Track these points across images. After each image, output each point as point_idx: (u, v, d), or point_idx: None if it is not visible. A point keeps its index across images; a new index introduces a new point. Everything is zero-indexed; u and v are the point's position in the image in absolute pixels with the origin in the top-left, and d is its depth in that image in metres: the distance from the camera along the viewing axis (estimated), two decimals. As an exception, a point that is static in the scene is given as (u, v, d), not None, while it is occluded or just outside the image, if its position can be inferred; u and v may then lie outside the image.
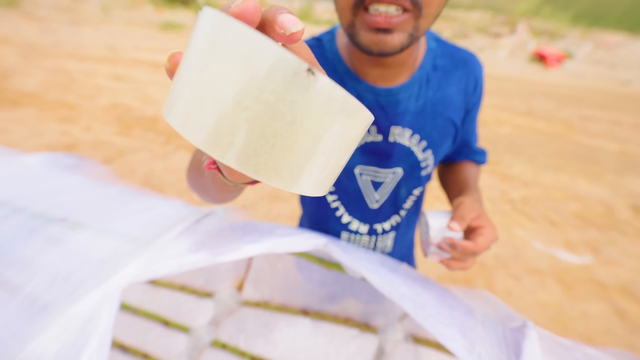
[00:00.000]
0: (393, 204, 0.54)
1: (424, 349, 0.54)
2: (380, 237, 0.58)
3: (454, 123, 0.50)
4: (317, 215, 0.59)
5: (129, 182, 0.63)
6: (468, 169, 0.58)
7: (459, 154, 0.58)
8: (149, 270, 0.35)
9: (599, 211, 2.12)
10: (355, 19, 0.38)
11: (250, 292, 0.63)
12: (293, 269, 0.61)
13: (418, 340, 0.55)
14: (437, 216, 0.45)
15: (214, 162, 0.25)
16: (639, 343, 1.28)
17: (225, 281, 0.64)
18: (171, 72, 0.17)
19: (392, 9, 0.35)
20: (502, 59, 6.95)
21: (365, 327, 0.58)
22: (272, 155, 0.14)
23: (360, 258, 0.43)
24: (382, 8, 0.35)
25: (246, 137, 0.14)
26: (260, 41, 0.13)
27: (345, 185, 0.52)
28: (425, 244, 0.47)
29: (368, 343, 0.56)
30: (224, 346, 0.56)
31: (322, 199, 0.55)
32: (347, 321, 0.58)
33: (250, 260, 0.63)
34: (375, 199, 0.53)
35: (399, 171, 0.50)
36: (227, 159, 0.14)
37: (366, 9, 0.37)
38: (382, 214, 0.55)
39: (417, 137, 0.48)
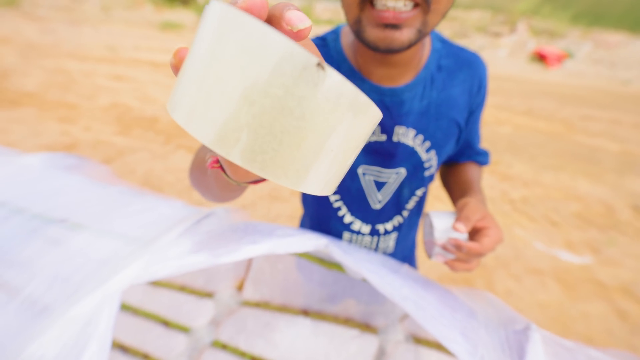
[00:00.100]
0: (396, 204, 0.54)
1: (424, 350, 0.54)
2: (382, 238, 0.57)
3: (457, 124, 0.50)
4: (319, 215, 0.59)
5: (128, 182, 0.62)
6: (471, 170, 0.58)
7: (461, 155, 0.58)
8: (149, 272, 0.35)
9: (599, 211, 2.11)
10: (362, 14, 0.37)
11: (250, 293, 0.63)
12: (293, 269, 0.61)
13: (419, 340, 0.55)
14: (441, 217, 0.45)
15: (217, 161, 0.25)
16: (640, 343, 1.28)
17: (226, 281, 0.64)
18: (176, 68, 0.16)
19: (400, 4, 0.35)
20: (502, 59, 6.94)
21: (366, 327, 0.58)
22: (279, 152, 0.14)
23: (361, 259, 0.42)
24: (390, 3, 0.35)
25: (253, 133, 0.14)
26: (269, 34, 0.13)
27: (348, 185, 0.52)
28: (430, 245, 0.47)
29: (368, 343, 0.56)
30: (224, 346, 0.56)
31: (324, 198, 0.55)
32: (348, 321, 0.58)
33: (250, 261, 0.63)
34: (378, 199, 0.53)
35: (402, 171, 0.50)
36: (233, 156, 0.14)
37: (373, 4, 0.36)
38: (384, 214, 0.55)
39: (421, 138, 0.48)
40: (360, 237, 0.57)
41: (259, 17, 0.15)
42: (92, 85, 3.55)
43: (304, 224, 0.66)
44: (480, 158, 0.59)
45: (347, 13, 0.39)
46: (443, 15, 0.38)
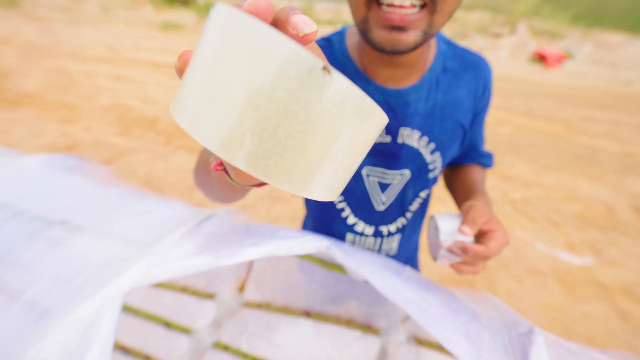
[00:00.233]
0: (399, 206, 0.54)
1: (426, 351, 0.54)
2: (385, 239, 0.57)
3: (462, 126, 0.50)
4: (322, 217, 0.58)
5: (129, 183, 0.62)
6: (475, 172, 0.58)
7: (465, 157, 0.58)
8: (150, 274, 0.35)
9: (600, 212, 2.11)
10: (369, 14, 0.37)
11: (252, 294, 0.62)
12: (295, 270, 0.61)
13: (420, 342, 0.55)
14: (447, 219, 0.44)
15: (221, 164, 0.25)
16: (641, 344, 1.27)
17: (227, 282, 0.64)
18: (181, 71, 0.16)
19: (406, 2, 0.35)
20: (502, 59, 6.94)
21: (368, 328, 0.57)
22: (283, 157, 0.14)
23: (363, 261, 0.42)
24: (396, 1, 0.35)
25: (257, 138, 0.13)
26: (274, 37, 0.13)
27: (352, 186, 0.51)
28: (435, 247, 0.47)
29: (370, 345, 0.56)
30: (225, 348, 0.56)
31: None
32: (350, 323, 0.58)
33: (251, 262, 0.63)
34: (381, 201, 0.53)
35: (406, 173, 0.50)
36: (237, 161, 0.14)
37: (379, 4, 0.36)
38: (388, 216, 0.54)
39: (425, 139, 0.48)
40: (363, 238, 0.57)
41: (264, 20, 0.15)
42: (92, 85, 3.55)
43: (306, 225, 0.66)
44: (485, 160, 0.59)
45: (354, 12, 0.39)
46: (449, 16, 0.38)
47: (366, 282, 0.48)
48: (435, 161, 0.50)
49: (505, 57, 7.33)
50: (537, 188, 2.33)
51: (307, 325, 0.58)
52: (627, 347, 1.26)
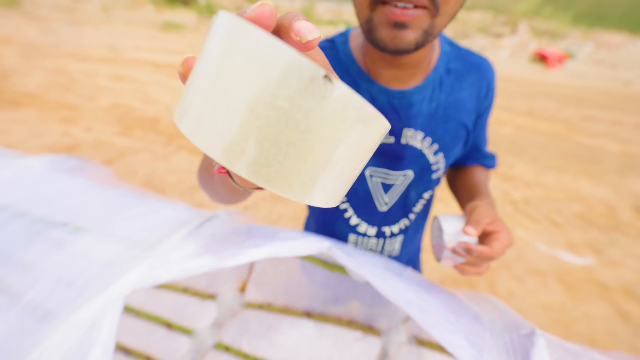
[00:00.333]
0: (403, 207, 0.54)
1: (427, 352, 0.54)
2: (388, 240, 0.57)
3: (465, 127, 0.50)
4: (324, 217, 0.59)
5: (130, 183, 0.62)
6: (478, 173, 0.58)
7: (468, 158, 0.58)
8: (152, 276, 0.35)
9: (601, 212, 2.11)
10: (373, 14, 0.37)
11: (253, 294, 0.62)
12: (296, 270, 0.61)
13: (422, 342, 0.55)
14: (451, 220, 0.44)
15: (224, 167, 0.25)
16: (642, 345, 1.27)
17: (228, 283, 0.64)
18: (184, 77, 0.16)
19: (409, 6, 0.35)
20: (503, 59, 6.94)
21: (369, 329, 0.57)
22: (284, 165, 0.14)
23: (364, 262, 0.42)
24: (400, 4, 0.35)
25: (258, 146, 0.14)
26: (276, 46, 0.13)
27: (355, 186, 0.51)
28: (439, 248, 0.47)
29: (371, 345, 0.56)
30: (227, 348, 0.56)
31: None
32: (351, 323, 0.58)
33: (253, 262, 0.63)
34: (384, 202, 0.53)
35: (409, 174, 0.50)
36: (238, 168, 0.14)
37: (384, 4, 0.36)
38: (391, 216, 0.54)
39: (429, 140, 0.48)
40: (366, 239, 0.57)
41: (267, 27, 0.15)
42: (93, 85, 3.55)
43: (308, 225, 0.66)
44: (488, 161, 0.59)
45: (358, 13, 0.39)
46: (451, 18, 0.38)
47: (367, 283, 0.48)
48: (438, 162, 0.50)
49: (506, 57, 7.33)
50: (538, 188, 2.32)
51: (308, 326, 0.58)
52: (628, 348, 1.25)
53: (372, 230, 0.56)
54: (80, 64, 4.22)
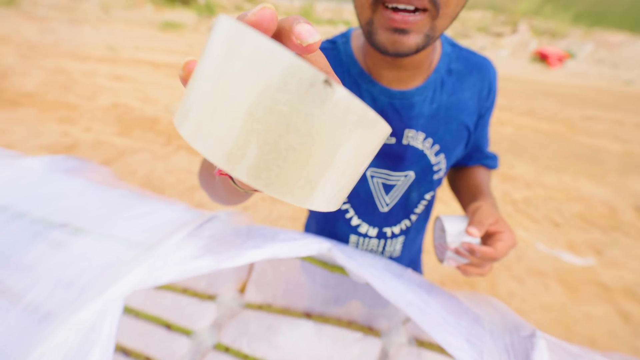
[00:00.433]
0: (404, 207, 0.54)
1: (427, 353, 0.54)
2: (389, 241, 0.57)
3: (467, 127, 0.50)
4: (325, 218, 0.58)
5: (129, 183, 0.62)
6: (480, 173, 0.57)
7: (470, 159, 0.58)
8: (152, 277, 0.35)
9: (602, 212, 2.11)
10: (374, 16, 0.37)
11: (252, 295, 0.62)
12: (296, 271, 0.61)
13: (422, 343, 0.55)
14: (453, 221, 0.44)
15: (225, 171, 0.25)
16: (643, 345, 1.27)
17: (228, 284, 0.64)
18: (185, 81, 0.16)
19: (410, 7, 0.35)
20: (503, 59, 6.93)
21: (369, 330, 0.57)
22: (284, 169, 0.14)
23: (364, 263, 0.42)
24: (401, 5, 0.35)
25: (258, 150, 0.14)
26: (275, 50, 0.13)
27: (356, 187, 0.51)
28: (441, 249, 0.46)
29: (371, 346, 0.56)
30: (226, 349, 0.56)
31: None
32: (351, 324, 0.58)
33: (252, 263, 0.63)
34: (385, 202, 0.53)
35: (411, 174, 0.50)
36: (238, 173, 0.14)
37: (385, 7, 0.36)
38: (392, 217, 0.54)
39: (430, 141, 0.48)
40: (367, 240, 0.57)
41: (268, 30, 0.15)
42: (92, 85, 3.55)
43: (309, 226, 0.66)
44: (489, 162, 0.59)
45: (359, 14, 0.39)
46: (452, 20, 0.38)
47: (367, 284, 0.48)
48: (439, 163, 0.50)
49: (507, 56, 7.32)
50: (539, 188, 2.32)
51: (308, 327, 0.58)
52: (628, 348, 1.25)
53: (373, 231, 0.56)
54: (79, 64, 4.21)
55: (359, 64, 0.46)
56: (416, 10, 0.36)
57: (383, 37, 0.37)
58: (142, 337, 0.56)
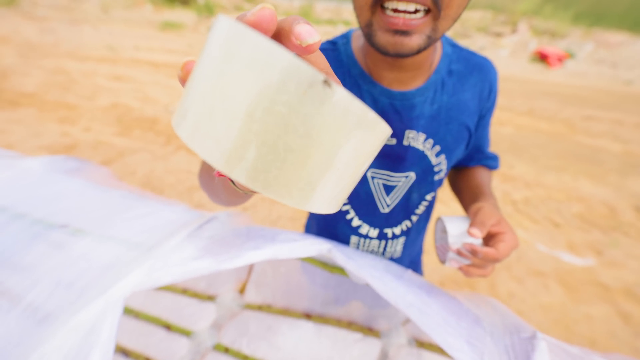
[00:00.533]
0: (404, 208, 0.54)
1: (427, 353, 0.54)
2: (390, 242, 0.57)
3: (468, 128, 0.50)
4: (326, 219, 0.58)
5: (129, 184, 0.62)
6: (481, 174, 0.57)
7: (471, 159, 0.58)
8: (151, 278, 0.35)
9: (602, 212, 2.11)
10: (373, 18, 0.37)
11: (252, 295, 0.62)
12: (296, 272, 0.61)
13: (422, 344, 0.55)
14: (455, 222, 0.44)
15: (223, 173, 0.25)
16: (643, 345, 1.27)
17: (228, 284, 0.64)
18: (184, 81, 0.16)
19: (411, 7, 0.35)
20: (503, 59, 6.93)
21: (369, 331, 0.57)
22: (282, 171, 0.14)
23: (365, 264, 0.42)
24: (401, 6, 0.35)
25: (256, 152, 0.13)
26: (274, 50, 0.12)
27: (357, 188, 0.51)
28: (442, 250, 0.46)
29: (371, 347, 0.56)
30: (226, 350, 0.56)
31: None
32: (351, 325, 0.58)
33: (252, 264, 0.62)
34: (386, 203, 0.53)
35: (411, 175, 0.50)
36: (236, 174, 0.14)
37: (383, 8, 0.36)
38: (393, 218, 0.54)
39: (431, 142, 0.48)
40: (367, 241, 0.56)
41: (267, 30, 0.14)
42: (92, 85, 3.55)
43: (309, 227, 0.66)
44: (490, 162, 0.58)
45: (358, 16, 0.39)
46: (454, 21, 0.38)
47: (368, 285, 0.48)
48: (440, 164, 0.50)
49: (506, 56, 7.32)
50: (538, 188, 2.32)
51: (307, 328, 0.58)
52: (628, 349, 1.25)
53: (374, 232, 0.56)
54: (79, 64, 4.21)
55: (359, 65, 0.46)
56: (416, 11, 0.35)
57: (383, 38, 0.37)
58: (142, 338, 0.56)
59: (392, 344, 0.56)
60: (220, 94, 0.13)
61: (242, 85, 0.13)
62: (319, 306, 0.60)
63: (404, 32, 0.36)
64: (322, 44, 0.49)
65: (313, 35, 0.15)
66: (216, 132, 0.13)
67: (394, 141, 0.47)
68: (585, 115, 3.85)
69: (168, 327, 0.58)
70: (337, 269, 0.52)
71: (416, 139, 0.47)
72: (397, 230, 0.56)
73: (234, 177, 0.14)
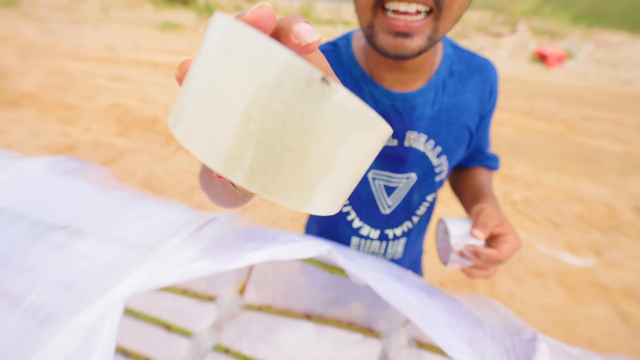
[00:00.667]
0: (406, 209, 0.54)
1: (427, 354, 0.54)
2: (391, 243, 0.57)
3: (469, 129, 0.50)
4: (326, 220, 0.58)
5: (129, 184, 0.62)
6: (482, 175, 0.57)
7: (471, 160, 0.58)
8: (152, 279, 0.34)
9: (601, 213, 2.11)
10: (374, 19, 0.37)
11: (252, 296, 0.62)
12: (296, 272, 0.61)
13: (422, 345, 0.55)
14: (457, 223, 0.44)
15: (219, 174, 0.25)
16: (642, 346, 1.27)
17: (228, 285, 0.64)
18: (181, 80, 0.16)
19: (412, 8, 0.35)
20: (502, 59, 6.93)
21: (369, 331, 0.57)
22: (280, 171, 0.13)
23: (365, 265, 0.42)
24: (402, 7, 0.35)
25: (253, 151, 0.13)
26: (271, 47, 0.12)
27: (358, 189, 0.51)
28: (445, 251, 0.46)
29: (371, 348, 0.56)
30: (226, 350, 0.56)
31: None
32: (351, 326, 0.58)
33: (252, 264, 0.62)
34: (387, 204, 0.53)
35: (412, 176, 0.50)
36: (232, 175, 0.13)
37: (385, 9, 0.36)
38: (394, 219, 0.54)
39: (432, 143, 0.48)
40: (368, 242, 0.56)
41: (266, 29, 0.14)
42: (92, 85, 3.54)
43: (310, 228, 0.66)
44: (491, 163, 0.59)
45: (360, 17, 0.39)
46: (455, 22, 0.38)
47: (368, 286, 0.47)
48: (441, 165, 0.50)
49: (506, 56, 7.32)
50: (538, 189, 2.32)
51: (307, 328, 0.58)
52: (628, 349, 1.25)
53: (375, 233, 0.56)
54: (78, 64, 4.21)
55: (360, 66, 0.46)
56: (418, 12, 0.35)
57: (384, 40, 0.37)
58: (142, 339, 0.56)
59: (392, 344, 0.56)
60: (217, 92, 0.13)
61: (239, 83, 0.13)
62: (319, 307, 0.60)
63: (405, 34, 0.36)
64: (323, 45, 0.48)
65: (312, 34, 0.15)
66: (211, 131, 0.13)
67: (395, 142, 0.47)
68: (585, 116, 3.85)
69: (168, 327, 0.58)
70: (337, 270, 0.52)
71: (417, 140, 0.47)
72: (398, 231, 0.56)
73: (230, 178, 0.13)
